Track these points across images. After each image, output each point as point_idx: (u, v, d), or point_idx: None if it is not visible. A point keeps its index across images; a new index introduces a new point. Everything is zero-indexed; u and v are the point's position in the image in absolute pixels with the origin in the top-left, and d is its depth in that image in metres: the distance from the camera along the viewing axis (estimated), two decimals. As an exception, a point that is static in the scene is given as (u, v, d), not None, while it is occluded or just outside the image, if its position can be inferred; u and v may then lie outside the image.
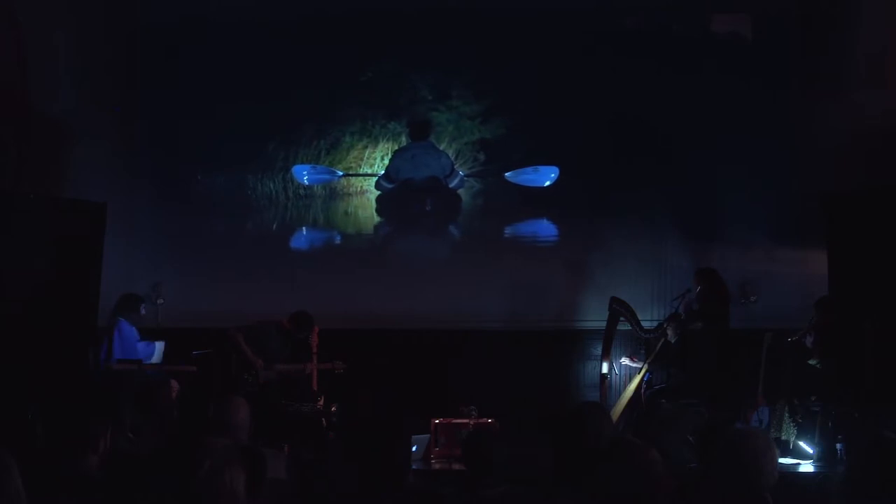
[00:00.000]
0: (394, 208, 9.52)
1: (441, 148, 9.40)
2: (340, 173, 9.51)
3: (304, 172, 9.52)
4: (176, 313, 8.61)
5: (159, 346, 7.88)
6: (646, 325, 8.17)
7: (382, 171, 9.45)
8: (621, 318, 8.10)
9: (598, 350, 8.40)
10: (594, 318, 8.82)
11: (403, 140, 9.46)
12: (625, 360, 8.16)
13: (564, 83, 9.13)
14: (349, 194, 9.53)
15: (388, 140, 9.46)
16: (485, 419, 7.28)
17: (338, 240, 9.57)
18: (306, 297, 8.22)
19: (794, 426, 6.95)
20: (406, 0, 9.38)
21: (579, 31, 9.24)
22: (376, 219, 9.55)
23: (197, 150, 9.51)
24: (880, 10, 8.07)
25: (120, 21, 9.33)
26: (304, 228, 9.60)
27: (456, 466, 6.70)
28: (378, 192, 9.50)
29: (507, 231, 9.46)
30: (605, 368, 8.19)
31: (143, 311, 7.92)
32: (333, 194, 9.55)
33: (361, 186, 9.52)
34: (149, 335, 7.92)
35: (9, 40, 8.13)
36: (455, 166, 9.38)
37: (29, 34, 8.21)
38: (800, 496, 5.01)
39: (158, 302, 8.73)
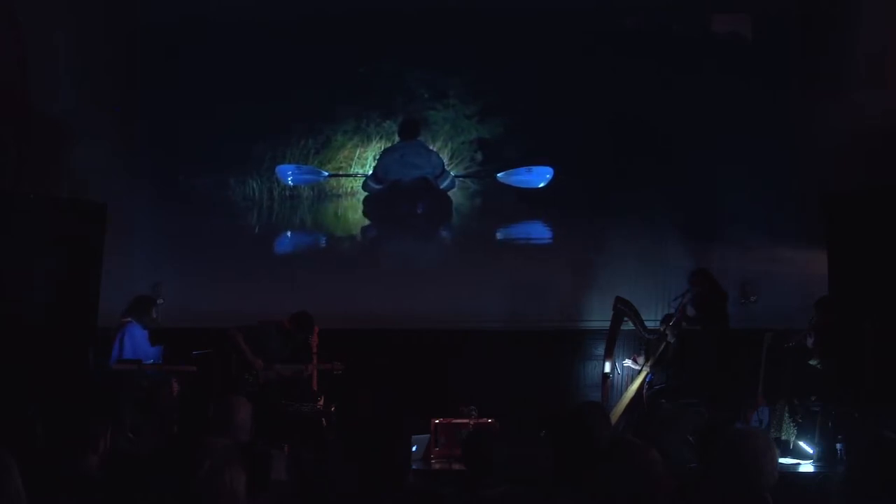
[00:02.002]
0: (382, 210, 9.49)
1: (437, 147, 9.39)
2: (326, 174, 9.47)
3: (289, 172, 9.49)
4: (176, 313, 8.60)
5: (159, 349, 7.85)
6: (647, 325, 8.16)
7: (370, 172, 9.44)
8: (625, 318, 8.09)
9: (599, 350, 8.40)
10: (594, 318, 8.83)
11: (397, 139, 9.46)
12: (627, 362, 8.16)
13: (564, 83, 9.13)
14: (339, 195, 9.51)
15: (381, 139, 9.45)
16: (485, 419, 7.28)
17: (335, 240, 9.56)
18: (306, 297, 8.22)
19: (794, 426, 6.95)
20: (406, 0, 9.38)
21: (579, 31, 9.24)
22: (368, 220, 9.54)
23: (197, 150, 9.51)
24: (880, 10, 8.07)
25: (120, 21, 9.33)
26: (300, 230, 9.59)
27: (456, 466, 6.69)
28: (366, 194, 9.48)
29: (507, 231, 9.46)
30: (607, 368, 8.18)
31: (155, 315, 7.74)
32: (324, 195, 9.52)
33: (352, 187, 9.51)
34: (151, 337, 7.88)
35: (9, 40, 8.13)
36: (446, 166, 9.37)
37: (29, 34, 8.22)
38: (800, 496, 5.00)
39: (159, 302, 8.70)
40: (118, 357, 7.46)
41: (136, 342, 7.53)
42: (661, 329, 7.90)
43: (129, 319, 7.60)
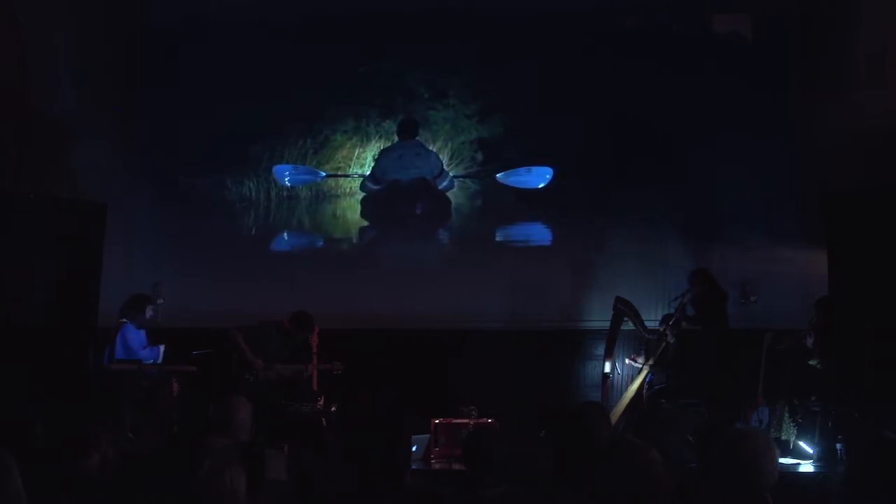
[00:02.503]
0: (380, 210, 9.47)
1: (437, 147, 9.38)
2: (323, 174, 9.46)
3: (286, 173, 9.47)
4: (176, 313, 8.60)
5: (159, 348, 7.83)
6: (647, 325, 8.15)
7: (368, 172, 9.42)
8: (625, 318, 8.09)
9: (599, 350, 8.40)
10: (594, 318, 8.83)
11: (396, 139, 9.46)
12: (627, 362, 8.15)
13: (564, 83, 9.13)
14: (337, 196, 9.50)
15: (380, 139, 9.44)
16: (485, 419, 7.28)
17: (334, 241, 9.55)
18: (306, 297, 8.21)
19: (794, 426, 6.95)
20: (406, 0, 9.38)
21: (579, 31, 9.24)
22: (366, 221, 9.53)
23: (197, 150, 9.51)
24: (880, 10, 8.07)
25: (120, 21, 9.33)
26: (299, 230, 9.58)
27: (456, 466, 6.69)
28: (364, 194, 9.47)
29: (507, 231, 9.45)
30: (607, 368, 8.18)
31: (149, 314, 7.68)
32: (322, 195, 9.50)
33: (351, 188, 9.50)
34: (149, 336, 7.88)
35: (9, 40, 8.13)
36: (445, 166, 9.36)
37: (29, 34, 8.23)
38: (800, 496, 5.00)
39: (158, 302, 8.69)
40: (108, 358, 7.44)
41: (128, 343, 7.48)
42: (661, 329, 7.90)
43: (124, 320, 7.59)
